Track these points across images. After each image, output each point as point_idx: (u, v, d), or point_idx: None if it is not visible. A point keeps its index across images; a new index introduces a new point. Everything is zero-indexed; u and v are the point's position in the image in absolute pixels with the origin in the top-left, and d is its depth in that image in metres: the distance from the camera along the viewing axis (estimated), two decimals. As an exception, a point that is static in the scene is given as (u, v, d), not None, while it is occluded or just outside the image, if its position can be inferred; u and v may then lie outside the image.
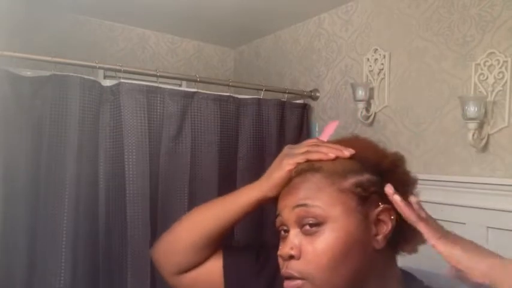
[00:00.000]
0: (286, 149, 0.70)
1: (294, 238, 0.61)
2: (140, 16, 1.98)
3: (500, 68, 1.25)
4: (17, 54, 1.22)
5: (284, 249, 0.60)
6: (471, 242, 0.61)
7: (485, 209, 1.22)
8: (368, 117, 1.64)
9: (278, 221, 0.65)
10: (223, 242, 0.78)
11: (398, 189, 0.60)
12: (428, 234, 0.59)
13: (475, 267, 0.56)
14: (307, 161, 0.64)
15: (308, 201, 0.60)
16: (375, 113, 1.64)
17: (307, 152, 0.66)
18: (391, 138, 1.59)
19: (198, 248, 0.75)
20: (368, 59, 1.67)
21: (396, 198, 0.59)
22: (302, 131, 1.87)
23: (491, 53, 1.27)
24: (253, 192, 0.72)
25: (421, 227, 0.59)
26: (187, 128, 1.49)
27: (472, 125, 1.24)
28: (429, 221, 0.62)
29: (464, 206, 1.27)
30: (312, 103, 1.95)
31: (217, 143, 1.55)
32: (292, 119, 1.83)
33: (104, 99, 1.37)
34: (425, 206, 1.46)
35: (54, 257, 1.23)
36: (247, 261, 0.76)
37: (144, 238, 1.34)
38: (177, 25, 2.12)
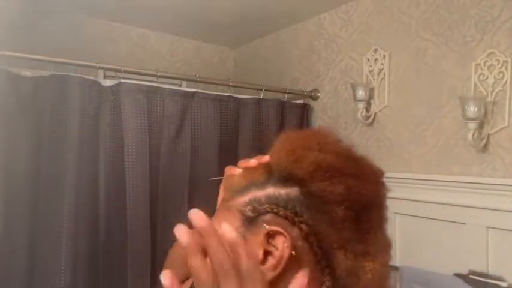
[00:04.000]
0: (226, 168, 0.60)
1: None
2: (140, 16, 1.98)
3: (500, 68, 1.25)
4: (17, 54, 1.22)
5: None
6: None
7: (485, 209, 1.22)
8: (368, 117, 1.64)
9: None
10: None
11: (319, 211, 0.46)
12: None
13: None
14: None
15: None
16: (375, 113, 1.64)
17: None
18: (391, 138, 1.59)
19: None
20: (368, 59, 1.67)
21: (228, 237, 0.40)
22: (302, 131, 1.87)
23: (491, 53, 1.27)
24: None
25: None
26: (187, 128, 1.49)
27: (472, 125, 1.24)
28: None
29: (464, 206, 1.27)
30: (312, 103, 1.95)
31: (217, 143, 1.55)
32: (292, 119, 1.83)
33: (104, 99, 1.37)
34: (426, 206, 1.47)
35: (54, 257, 1.23)
36: None
37: (144, 238, 1.34)
38: (177, 25, 2.12)
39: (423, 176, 1.41)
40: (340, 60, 1.82)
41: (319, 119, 1.92)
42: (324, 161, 0.48)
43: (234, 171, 0.55)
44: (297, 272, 0.45)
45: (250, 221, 0.47)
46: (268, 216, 0.47)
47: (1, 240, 1.16)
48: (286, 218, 0.46)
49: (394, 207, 1.49)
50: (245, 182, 0.51)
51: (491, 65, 1.27)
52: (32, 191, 1.23)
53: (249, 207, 0.48)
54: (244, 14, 1.94)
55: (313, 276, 0.46)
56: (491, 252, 1.22)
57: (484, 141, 1.27)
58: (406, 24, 1.54)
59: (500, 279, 1.18)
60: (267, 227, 0.46)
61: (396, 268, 1.44)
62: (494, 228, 1.21)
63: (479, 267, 1.23)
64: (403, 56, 1.55)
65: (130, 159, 1.34)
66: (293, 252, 0.45)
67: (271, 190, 0.48)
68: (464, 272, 1.25)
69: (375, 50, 1.65)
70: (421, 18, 1.49)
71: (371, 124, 1.66)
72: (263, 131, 1.72)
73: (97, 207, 1.35)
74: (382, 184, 0.50)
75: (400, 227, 1.48)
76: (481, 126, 1.26)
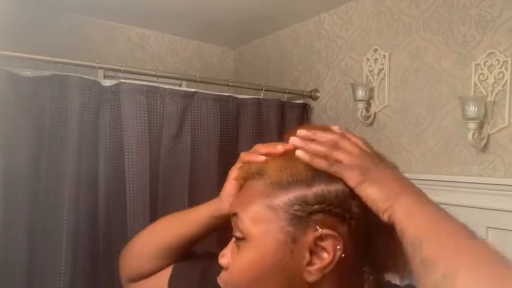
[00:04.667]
0: (242, 154, 0.60)
1: (228, 248, 0.55)
2: (140, 16, 1.98)
3: (500, 68, 1.25)
4: (17, 54, 1.21)
5: (219, 257, 0.55)
6: (396, 179, 0.47)
7: (485, 209, 1.22)
8: (368, 117, 1.64)
9: None
10: (181, 256, 0.73)
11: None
12: (348, 180, 0.46)
13: (382, 207, 0.44)
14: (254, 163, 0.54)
15: (239, 211, 0.52)
16: (375, 113, 1.64)
17: (246, 154, 0.57)
18: (391, 138, 1.59)
19: (153, 257, 0.72)
20: (368, 59, 1.67)
21: (298, 153, 0.48)
22: (302, 131, 1.87)
23: (491, 53, 1.27)
24: (208, 207, 0.67)
25: (338, 174, 0.47)
26: (187, 128, 1.49)
27: (472, 125, 1.24)
28: (345, 162, 0.48)
29: (464, 206, 1.27)
30: (312, 103, 1.95)
31: (217, 143, 1.55)
32: (292, 119, 1.83)
33: (104, 99, 1.37)
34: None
35: (54, 257, 1.23)
36: (193, 272, 0.70)
37: (144, 238, 1.34)
38: (177, 25, 2.12)
39: (423, 176, 1.41)
40: (340, 60, 1.82)
41: (319, 119, 1.92)
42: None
43: (255, 158, 0.54)
44: (342, 270, 0.47)
45: (299, 220, 0.47)
46: (319, 216, 0.47)
47: (1, 240, 1.16)
48: (337, 215, 0.47)
49: (394, 207, 1.49)
50: (287, 177, 0.49)
51: (491, 65, 1.27)
52: (32, 191, 1.23)
53: (296, 206, 0.47)
54: (244, 14, 1.94)
55: (353, 271, 0.49)
56: (491, 252, 1.22)
57: (484, 141, 1.27)
58: (406, 24, 1.54)
59: (500, 279, 1.18)
60: (320, 230, 0.46)
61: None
62: (494, 228, 1.21)
63: (479, 267, 1.23)
64: (403, 56, 1.55)
65: (130, 159, 1.34)
66: (343, 255, 0.46)
67: (319, 188, 0.47)
68: (464, 272, 1.25)
69: (375, 50, 1.65)
70: (421, 18, 1.49)
71: (371, 124, 1.66)
72: (263, 131, 1.72)
73: (97, 207, 1.35)
74: None
75: (400, 227, 1.48)
76: (481, 126, 1.26)
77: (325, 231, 0.46)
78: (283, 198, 0.48)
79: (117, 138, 1.36)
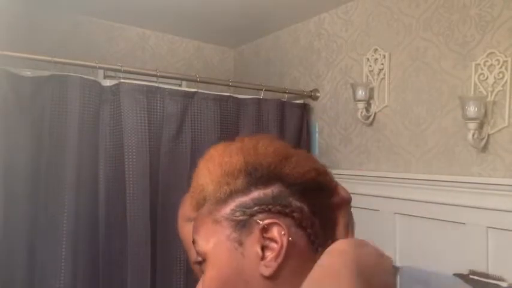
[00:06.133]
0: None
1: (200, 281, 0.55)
2: (140, 16, 1.98)
3: (500, 68, 1.25)
4: (17, 54, 1.22)
5: None
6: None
7: (485, 209, 1.22)
8: (368, 117, 1.64)
9: None
10: None
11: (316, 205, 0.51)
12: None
13: None
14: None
15: (194, 237, 0.53)
16: (375, 113, 1.64)
17: None
18: (391, 138, 1.59)
19: None
20: (368, 59, 1.67)
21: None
22: (302, 131, 1.87)
23: (491, 53, 1.27)
24: None
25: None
26: (187, 128, 1.49)
27: (472, 125, 1.24)
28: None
29: (464, 206, 1.27)
30: (312, 103, 1.95)
31: (217, 143, 1.54)
32: (292, 119, 1.83)
33: (104, 99, 1.37)
34: (426, 206, 1.47)
35: (54, 257, 1.23)
36: None
37: (144, 238, 1.34)
38: (177, 25, 2.12)
39: (423, 176, 1.41)
40: (340, 60, 1.82)
41: (319, 119, 1.92)
42: (298, 155, 0.54)
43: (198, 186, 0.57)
44: (297, 257, 0.49)
45: (242, 224, 0.49)
46: (259, 216, 0.49)
47: (1, 240, 1.16)
48: (277, 212, 0.49)
49: (394, 207, 1.49)
50: (225, 191, 0.51)
51: (491, 65, 1.27)
52: (32, 191, 1.23)
53: (237, 213, 0.50)
54: (244, 14, 1.94)
55: (309, 257, 0.50)
56: (491, 252, 1.22)
57: (484, 141, 1.27)
58: (406, 24, 1.54)
59: (500, 279, 1.18)
60: (261, 222, 0.48)
61: (396, 268, 1.44)
62: (494, 228, 1.21)
63: (479, 267, 1.23)
64: (403, 56, 1.55)
65: (130, 159, 1.34)
66: (290, 238, 0.48)
67: (255, 193, 0.50)
68: (464, 272, 1.25)
69: (375, 50, 1.65)
70: (421, 18, 1.49)
71: (371, 124, 1.66)
72: (263, 131, 1.72)
73: (97, 207, 1.35)
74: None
75: (400, 227, 1.48)
76: (481, 126, 1.26)
77: (267, 221, 0.48)
78: (225, 210, 0.51)
79: (117, 138, 1.36)
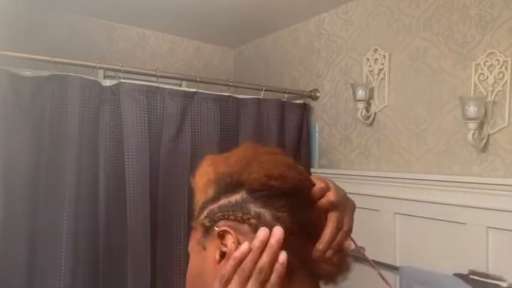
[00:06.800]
0: None
1: None
2: (140, 16, 1.98)
3: (500, 68, 1.25)
4: (17, 54, 1.22)
5: None
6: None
7: (485, 209, 1.22)
8: (368, 117, 1.64)
9: None
10: None
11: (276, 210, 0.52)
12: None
13: None
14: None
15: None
16: (375, 113, 1.64)
17: None
18: (391, 138, 1.59)
19: None
20: (368, 59, 1.67)
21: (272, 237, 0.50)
22: (302, 131, 1.87)
23: (491, 53, 1.27)
24: None
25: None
26: (187, 128, 1.49)
27: (472, 125, 1.24)
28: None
29: (464, 206, 1.27)
30: (312, 103, 1.95)
31: (217, 143, 1.55)
32: (292, 119, 1.83)
33: (104, 99, 1.37)
34: (426, 206, 1.47)
35: (54, 257, 1.23)
36: None
37: (144, 238, 1.34)
38: (177, 25, 2.12)
39: (423, 176, 1.41)
40: (340, 60, 1.82)
41: (319, 119, 1.92)
42: (264, 164, 0.54)
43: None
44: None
45: (207, 230, 0.54)
46: (220, 222, 0.53)
47: (1, 240, 1.16)
48: (235, 219, 0.52)
49: (394, 207, 1.49)
50: (202, 199, 0.57)
51: (491, 65, 1.27)
52: (32, 191, 1.23)
53: (206, 220, 0.54)
54: (244, 14, 1.94)
55: None
56: (491, 252, 1.22)
57: (484, 141, 1.27)
58: (406, 24, 1.54)
59: (500, 279, 1.18)
60: (217, 229, 0.52)
61: (396, 268, 1.44)
62: (494, 228, 1.21)
63: (479, 267, 1.23)
64: (403, 56, 1.55)
65: (130, 159, 1.34)
66: (239, 246, 0.51)
67: (222, 201, 0.54)
68: (464, 272, 1.25)
69: (375, 50, 1.65)
70: (421, 18, 1.49)
71: (371, 124, 1.66)
72: (263, 131, 1.72)
73: (97, 207, 1.35)
74: (301, 173, 0.57)
75: (400, 227, 1.48)
76: (481, 126, 1.26)
77: (222, 228, 0.52)
78: (200, 218, 0.56)
79: (117, 138, 1.36)
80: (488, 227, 1.22)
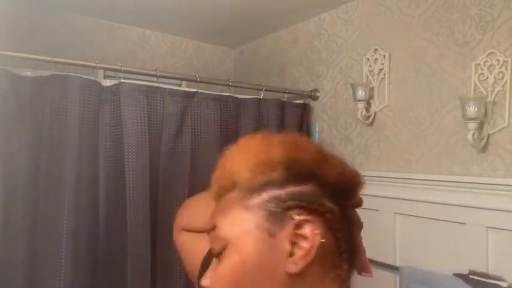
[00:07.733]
0: None
1: (209, 269, 0.54)
2: (140, 16, 1.98)
3: (500, 68, 1.25)
4: (17, 54, 1.21)
5: (201, 281, 0.54)
6: None
7: (485, 209, 1.22)
8: (368, 117, 1.64)
9: None
10: None
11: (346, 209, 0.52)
12: None
13: None
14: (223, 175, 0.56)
15: (217, 221, 0.53)
16: (375, 113, 1.64)
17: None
18: (391, 138, 1.59)
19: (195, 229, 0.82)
20: (368, 59, 1.67)
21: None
22: (302, 131, 1.87)
23: (491, 53, 1.27)
24: None
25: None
26: (187, 128, 1.49)
27: (472, 125, 1.24)
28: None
29: (464, 206, 1.27)
30: (312, 103, 1.95)
31: (217, 143, 1.55)
32: (292, 119, 1.83)
33: (104, 99, 1.37)
34: (426, 206, 1.48)
35: (54, 257, 1.23)
36: None
37: (144, 238, 1.34)
38: (177, 25, 2.12)
39: (423, 176, 1.41)
40: (340, 60, 1.82)
41: (319, 119, 1.92)
42: (335, 167, 0.53)
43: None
44: (323, 259, 0.48)
45: (275, 216, 0.48)
46: (294, 211, 0.48)
47: (1, 240, 1.16)
48: (314, 210, 0.49)
49: (394, 207, 1.49)
50: (260, 180, 0.50)
51: (491, 65, 1.27)
52: (32, 191, 1.23)
53: (270, 204, 0.49)
54: (244, 14, 1.94)
55: (333, 260, 0.50)
56: (491, 252, 1.22)
57: (484, 141, 1.27)
58: (406, 24, 1.54)
59: (500, 279, 1.18)
60: (297, 217, 0.47)
61: (396, 268, 1.44)
62: (494, 228, 1.21)
63: (479, 267, 1.23)
64: (403, 56, 1.55)
65: (130, 159, 1.34)
66: (323, 240, 0.47)
67: (290, 188, 0.49)
68: (464, 272, 1.25)
69: (375, 50, 1.65)
70: (421, 18, 1.49)
71: (371, 124, 1.66)
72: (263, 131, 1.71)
73: (97, 207, 1.35)
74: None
75: (400, 227, 1.48)
76: (481, 126, 1.26)
77: (302, 217, 0.48)
78: (258, 199, 0.50)
79: (117, 138, 1.36)
80: (488, 227, 1.22)
